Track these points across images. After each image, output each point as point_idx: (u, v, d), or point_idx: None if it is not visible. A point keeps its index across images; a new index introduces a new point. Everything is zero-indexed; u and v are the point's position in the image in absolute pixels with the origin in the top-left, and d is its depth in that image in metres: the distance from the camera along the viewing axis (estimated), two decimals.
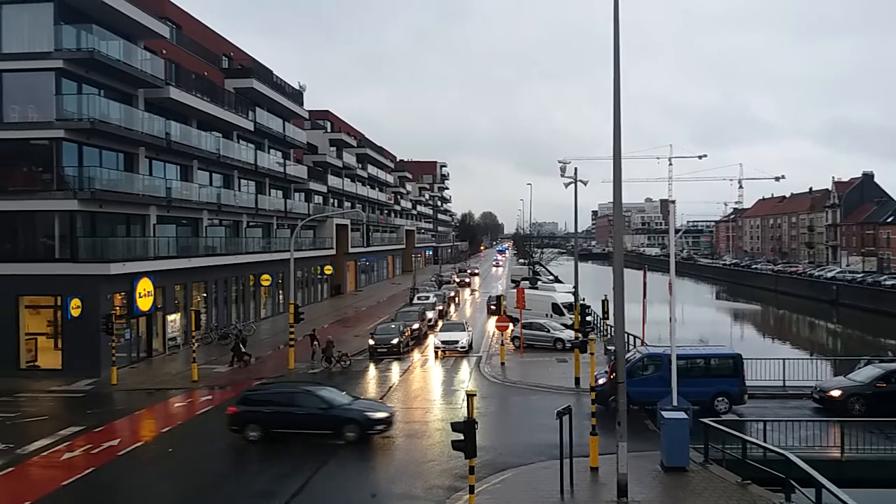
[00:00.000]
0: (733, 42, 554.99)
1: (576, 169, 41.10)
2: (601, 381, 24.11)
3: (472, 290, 78.30)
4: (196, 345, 31.16)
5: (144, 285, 32.12)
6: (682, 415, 17.42)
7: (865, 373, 23.93)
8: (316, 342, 34.71)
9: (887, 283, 73.15)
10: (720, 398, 22.60)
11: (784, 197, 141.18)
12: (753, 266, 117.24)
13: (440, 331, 39.18)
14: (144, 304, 32.36)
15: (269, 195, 51.09)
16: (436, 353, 36.01)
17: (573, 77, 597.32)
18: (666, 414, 17.51)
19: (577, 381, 26.93)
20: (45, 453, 20.02)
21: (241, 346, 33.36)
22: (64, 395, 27.63)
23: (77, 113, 29.55)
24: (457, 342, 36.19)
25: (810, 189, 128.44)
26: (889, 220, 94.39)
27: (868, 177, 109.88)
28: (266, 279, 46.45)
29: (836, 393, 22.89)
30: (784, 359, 26.57)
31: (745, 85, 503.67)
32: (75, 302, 29.18)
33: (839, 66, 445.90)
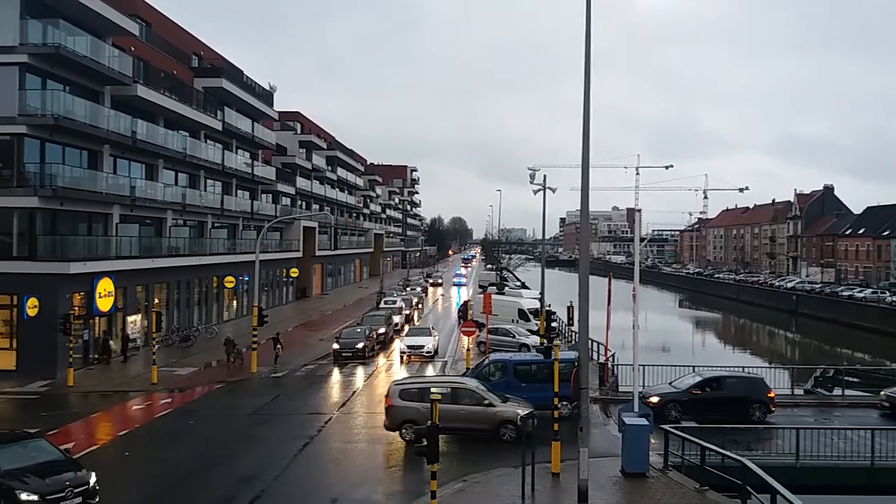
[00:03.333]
0: (685, 58, 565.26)
1: (545, 176, 41.57)
2: None
3: (436, 298, 77.81)
4: (156, 347, 30.72)
5: (105, 285, 31.56)
6: (643, 421, 17.64)
7: (685, 381, 24.66)
8: (279, 346, 34.41)
9: (844, 293, 74.96)
10: (563, 402, 22.36)
11: (747, 208, 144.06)
12: (716, 275, 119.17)
13: (406, 335, 39.04)
14: (104, 304, 31.80)
15: (236, 196, 50.58)
16: (401, 357, 35.93)
17: (529, 88, 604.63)
18: (627, 420, 17.71)
19: None
20: None
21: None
22: (17, 397, 26.95)
23: (41, 109, 28.96)
24: (422, 347, 36.09)
25: (773, 201, 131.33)
26: (847, 232, 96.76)
27: (829, 190, 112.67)
28: (230, 281, 45.94)
29: (654, 399, 23.52)
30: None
31: (698, 100, 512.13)
32: (32, 301, 28.56)
33: (786, 83, 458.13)
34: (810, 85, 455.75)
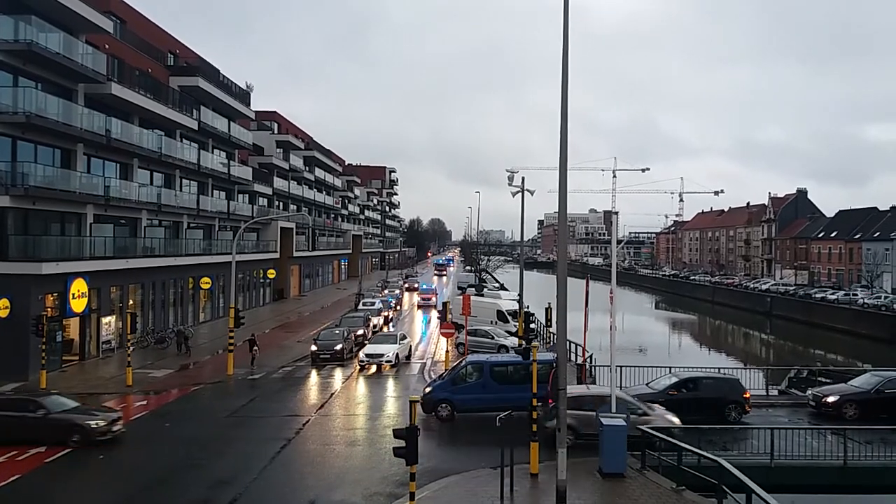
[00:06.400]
0: (645, 66, 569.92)
1: (523, 178, 41.68)
2: (428, 391, 24.79)
3: (413, 302, 76.09)
4: (131, 348, 30.34)
5: (78, 286, 31.09)
6: (620, 422, 17.71)
7: (662, 382, 24.88)
8: (256, 347, 34.09)
9: (817, 296, 76.11)
10: (541, 403, 22.71)
11: (722, 211, 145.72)
12: (692, 277, 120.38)
13: (369, 343, 37.14)
14: (78, 305, 31.31)
15: (212, 196, 50.11)
16: (360, 366, 33.47)
17: (496, 92, 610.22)
18: (605, 420, 17.78)
19: None
20: None
21: None
22: None
23: (12, 106, 28.39)
24: (382, 356, 33.44)
25: (748, 204, 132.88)
26: (820, 235, 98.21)
27: (802, 193, 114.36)
28: (206, 282, 45.48)
29: None
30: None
31: (661, 106, 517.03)
32: (3, 302, 27.97)
33: (741, 91, 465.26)
34: (764, 93, 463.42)
